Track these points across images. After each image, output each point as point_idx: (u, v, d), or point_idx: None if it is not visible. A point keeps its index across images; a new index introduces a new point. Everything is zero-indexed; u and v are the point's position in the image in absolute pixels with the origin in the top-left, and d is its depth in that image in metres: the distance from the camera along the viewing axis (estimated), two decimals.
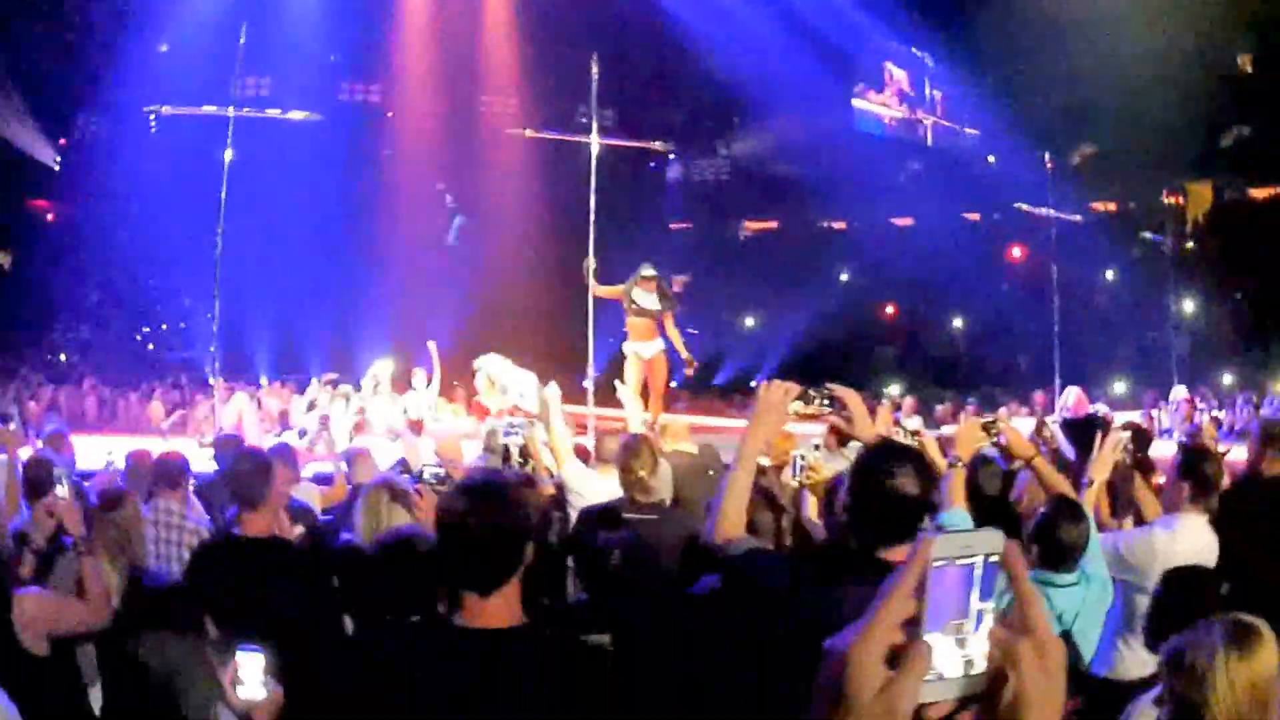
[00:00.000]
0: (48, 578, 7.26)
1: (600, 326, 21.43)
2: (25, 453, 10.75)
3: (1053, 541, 6.53)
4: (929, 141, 49.56)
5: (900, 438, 7.75)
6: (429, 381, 23.76)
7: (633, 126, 36.98)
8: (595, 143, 22.64)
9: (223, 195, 22.28)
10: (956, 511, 6.37)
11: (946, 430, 16.80)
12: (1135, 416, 21.45)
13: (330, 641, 6.42)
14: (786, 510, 9.21)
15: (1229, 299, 43.39)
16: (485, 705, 3.85)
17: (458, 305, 35.83)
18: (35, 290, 38.16)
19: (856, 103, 47.51)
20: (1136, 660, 7.16)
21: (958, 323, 48.72)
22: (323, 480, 13.05)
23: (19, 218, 40.69)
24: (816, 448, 9.50)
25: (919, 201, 46.84)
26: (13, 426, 11.46)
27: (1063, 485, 6.95)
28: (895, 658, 1.49)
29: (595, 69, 22.62)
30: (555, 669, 4.00)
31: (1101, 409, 21.13)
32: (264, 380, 32.43)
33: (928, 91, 49.39)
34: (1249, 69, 46.76)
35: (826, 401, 5.73)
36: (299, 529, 8.81)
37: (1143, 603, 6.89)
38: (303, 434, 22.31)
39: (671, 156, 46.07)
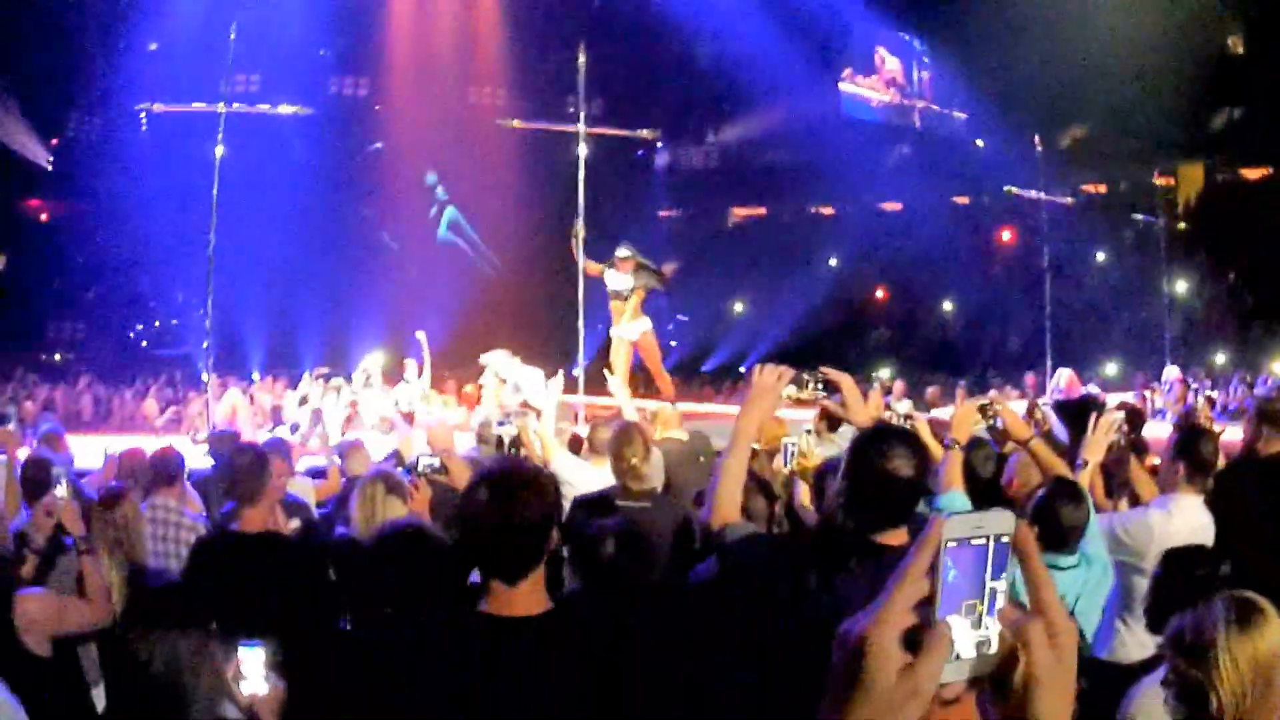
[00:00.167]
0: (48, 578, 7.27)
1: (590, 315, 21.41)
2: (23, 453, 10.74)
3: (1053, 523, 6.48)
4: (917, 124, 49.57)
5: (892, 421, 7.76)
6: (420, 372, 23.68)
7: (621, 115, 36.97)
8: (583, 132, 22.65)
9: (214, 192, 22.24)
10: (955, 494, 6.33)
11: (937, 413, 16.84)
12: (1128, 398, 21.43)
13: (348, 635, 6.43)
14: (779, 496, 9.22)
15: (1221, 279, 43.44)
16: (519, 693, 3.85)
17: (447, 296, 35.85)
18: (29, 290, 38.21)
19: (844, 87, 47.55)
20: (1136, 642, 7.13)
21: (948, 306, 48.74)
22: (316, 474, 13.01)
23: (12, 218, 40.72)
24: (809, 433, 9.48)
25: (908, 186, 46.84)
26: (11, 427, 11.48)
27: (1060, 467, 6.91)
28: (910, 640, 1.49)
29: (583, 59, 22.64)
30: (586, 654, 4.00)
31: (1094, 390, 21.18)
32: (256, 376, 32.44)
33: (915, 75, 49.42)
34: (1239, 50, 46.81)
35: (820, 386, 5.71)
36: (295, 523, 8.80)
37: (1140, 584, 6.88)
38: (295, 428, 22.29)
39: (659, 144, 46.10)
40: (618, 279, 20.07)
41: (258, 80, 34.74)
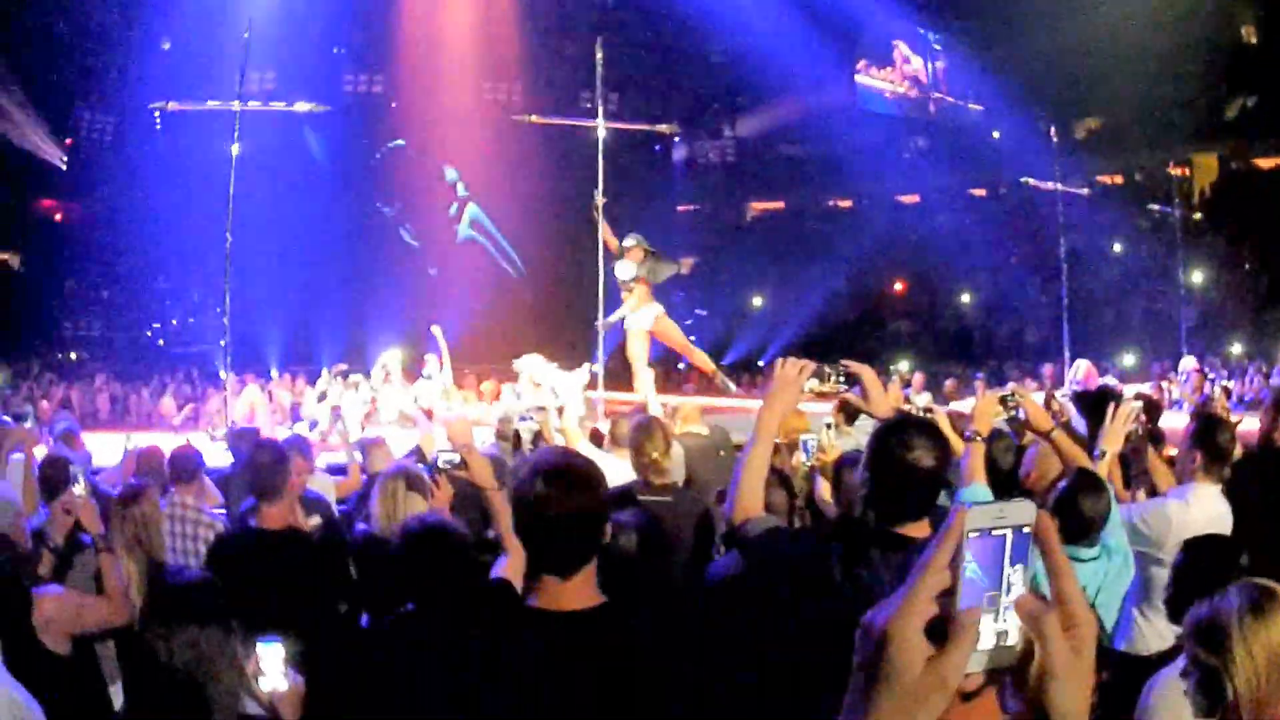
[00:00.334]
0: (67, 576, 7.29)
1: (609, 309, 21.40)
2: (40, 451, 10.77)
3: (1074, 514, 6.46)
4: (932, 112, 49.53)
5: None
6: (440, 366, 23.64)
7: (638, 110, 36.96)
8: (601, 127, 22.61)
9: (230, 190, 22.24)
10: (977, 487, 6.31)
11: (956, 406, 16.81)
12: (1145, 388, 21.40)
13: (376, 632, 6.41)
14: (799, 490, 9.22)
15: (1237, 269, 43.36)
16: (574, 688, 3.86)
17: (467, 292, 35.84)
18: (45, 289, 38.27)
19: (861, 79, 47.48)
20: (1155, 633, 7.13)
21: (966, 298, 48.70)
22: (336, 471, 13.02)
23: (27, 218, 40.74)
24: (829, 426, 9.48)
25: (925, 178, 46.83)
26: (28, 425, 11.49)
27: (1083, 458, 6.88)
28: (933, 631, 1.49)
29: (599, 53, 22.61)
30: (639, 648, 4.00)
31: (1111, 381, 21.15)
32: (274, 373, 32.47)
33: (930, 67, 49.37)
34: (1253, 39, 46.73)
35: (842, 378, 5.70)
36: (314, 519, 8.81)
37: (1158, 574, 6.87)
38: (313, 425, 22.30)
39: (677, 139, 46.04)
40: (624, 268, 20.09)
41: (272, 78, 34.72)
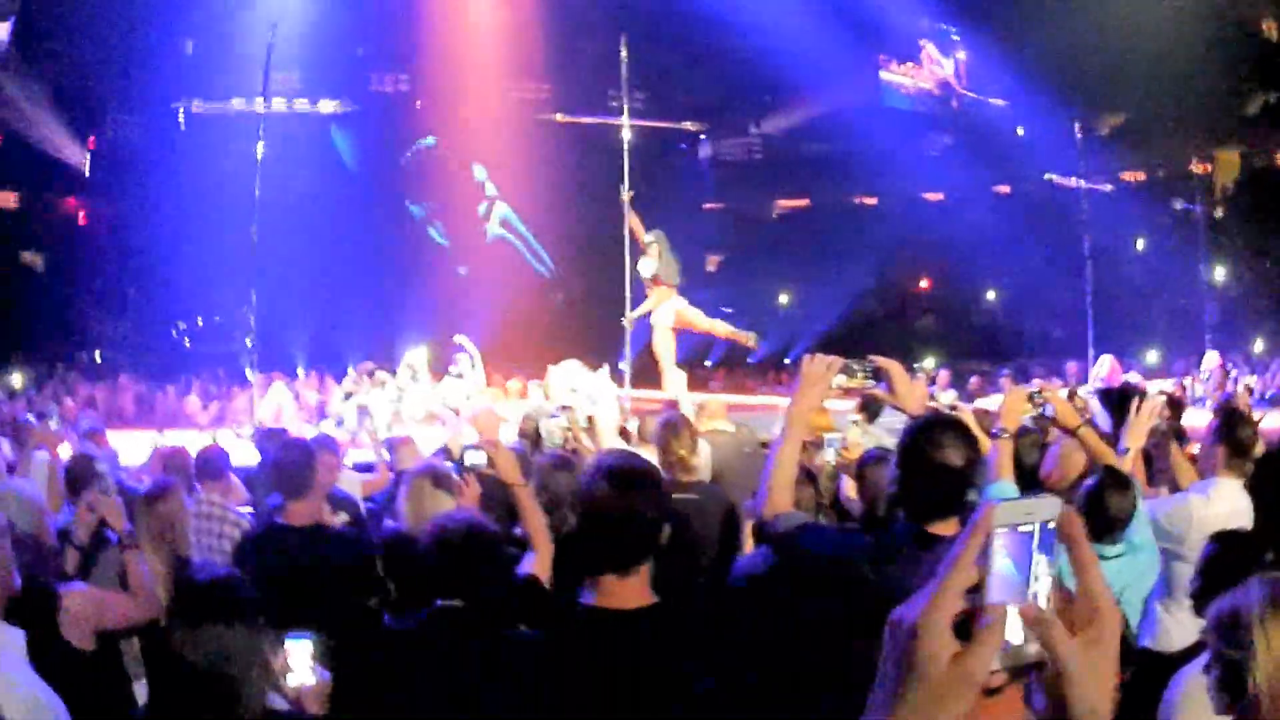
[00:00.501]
0: (92, 573, 7.32)
1: (636, 305, 21.40)
2: (65, 450, 10.81)
3: (1101, 512, 6.47)
4: (955, 106, 49.42)
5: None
6: (473, 365, 23.63)
7: (663, 108, 36.98)
8: (627, 125, 22.64)
9: (256, 190, 22.28)
10: (1004, 483, 6.29)
11: (981, 403, 16.80)
12: (1168, 385, 21.37)
13: (409, 630, 6.43)
14: (824, 489, 9.24)
15: (1260, 265, 43.20)
16: (633, 684, 3.90)
17: (494, 291, 35.86)
18: (69, 289, 38.26)
19: (884, 75, 47.41)
20: (1179, 630, 7.11)
21: (991, 295, 48.63)
22: (363, 469, 13.06)
23: (51, 218, 40.81)
24: (855, 423, 9.48)
25: (949, 175, 46.73)
26: (53, 424, 11.55)
27: (1110, 456, 6.89)
28: (962, 626, 1.50)
29: (625, 51, 22.63)
30: (694, 645, 4.03)
31: (1135, 377, 21.13)
32: (300, 371, 32.51)
33: (952, 63, 49.27)
34: (1275, 35, 46.55)
35: (870, 374, 5.70)
36: (341, 517, 8.84)
37: (1181, 570, 6.87)
38: (340, 423, 22.33)
39: (703, 137, 46.06)
40: (645, 265, 20.19)
41: (297, 78, 34.74)
